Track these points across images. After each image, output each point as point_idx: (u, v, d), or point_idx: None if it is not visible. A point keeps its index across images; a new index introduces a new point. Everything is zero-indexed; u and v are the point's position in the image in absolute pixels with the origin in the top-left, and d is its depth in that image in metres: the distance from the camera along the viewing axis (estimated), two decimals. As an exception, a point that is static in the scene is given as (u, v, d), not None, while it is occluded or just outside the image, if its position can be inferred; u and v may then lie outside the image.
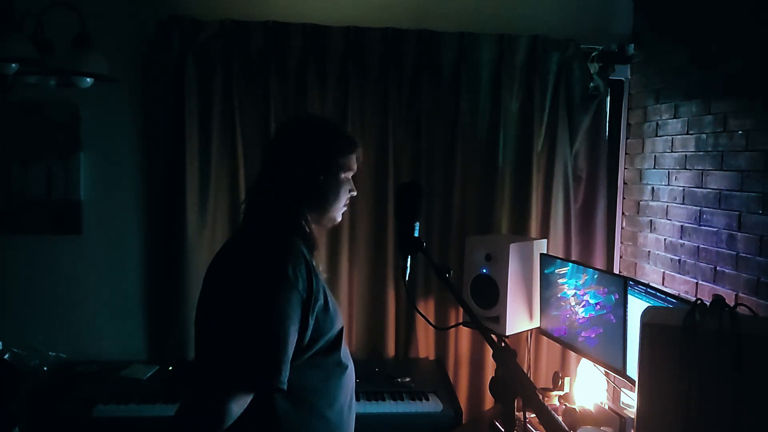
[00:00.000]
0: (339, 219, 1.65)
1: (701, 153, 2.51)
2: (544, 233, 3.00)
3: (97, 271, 2.93)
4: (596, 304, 2.41)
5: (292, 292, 1.41)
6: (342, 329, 1.56)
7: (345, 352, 1.59)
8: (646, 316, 1.70)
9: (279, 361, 1.37)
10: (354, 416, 1.64)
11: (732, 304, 1.71)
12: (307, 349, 1.46)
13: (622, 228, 3.15)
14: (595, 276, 2.42)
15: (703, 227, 2.48)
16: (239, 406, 1.37)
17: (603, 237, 3.05)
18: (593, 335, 2.43)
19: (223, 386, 1.36)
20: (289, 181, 1.53)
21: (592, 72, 2.97)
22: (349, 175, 1.61)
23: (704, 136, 2.50)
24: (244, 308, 1.41)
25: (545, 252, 2.79)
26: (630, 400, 2.45)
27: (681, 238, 2.62)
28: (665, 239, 2.74)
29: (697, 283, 2.50)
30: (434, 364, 3.00)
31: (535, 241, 2.76)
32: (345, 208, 1.65)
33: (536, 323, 2.76)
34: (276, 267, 1.42)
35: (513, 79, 2.95)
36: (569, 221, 3.03)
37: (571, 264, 2.57)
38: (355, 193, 1.65)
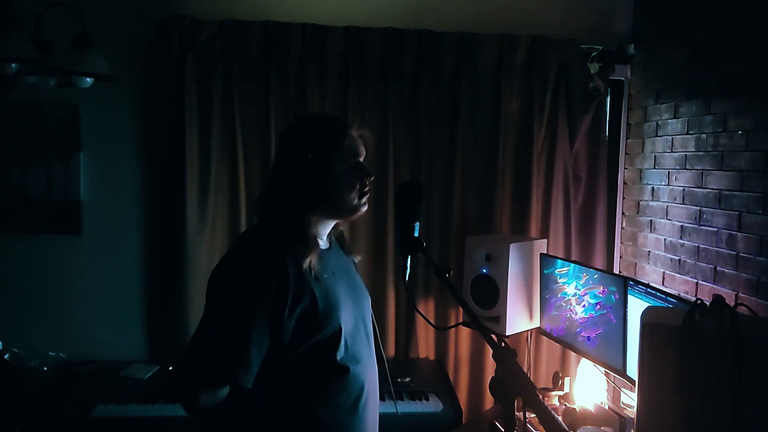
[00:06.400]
0: (362, 208, 1.59)
1: (701, 153, 2.51)
2: (544, 233, 3.00)
3: (97, 271, 2.93)
4: (596, 304, 2.41)
5: (259, 291, 1.42)
6: (341, 330, 1.51)
7: (350, 354, 1.54)
8: (646, 316, 1.70)
9: (239, 358, 1.41)
10: (364, 419, 1.59)
11: (732, 304, 1.71)
12: (292, 348, 1.47)
13: (622, 228, 3.15)
14: (595, 276, 2.42)
15: (703, 227, 2.48)
16: (208, 396, 1.43)
17: (603, 237, 3.05)
18: (593, 335, 2.43)
19: (191, 378, 1.45)
20: (290, 183, 1.53)
21: (592, 72, 2.97)
22: (351, 161, 1.56)
23: (704, 136, 2.50)
24: (213, 306, 1.48)
25: (545, 252, 2.79)
26: (630, 400, 2.45)
27: (681, 238, 2.62)
28: (665, 239, 2.74)
29: (697, 283, 2.50)
30: (434, 364, 3.00)
31: (535, 241, 2.76)
32: (366, 195, 1.59)
33: (536, 323, 2.76)
34: (244, 268, 1.46)
35: (513, 79, 2.95)
36: (569, 221, 3.03)
37: (571, 264, 2.57)
38: (371, 177, 1.60)
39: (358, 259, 1.78)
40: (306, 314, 1.46)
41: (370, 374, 1.61)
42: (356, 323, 1.59)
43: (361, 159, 1.59)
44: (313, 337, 1.48)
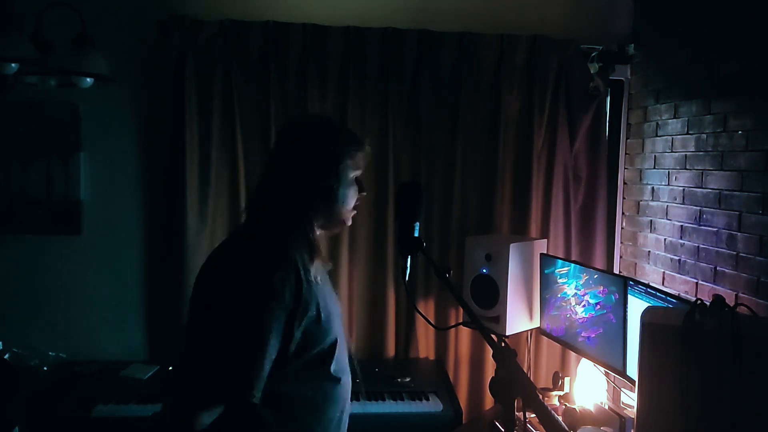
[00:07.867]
0: (349, 222, 1.60)
1: (701, 153, 2.51)
2: (544, 233, 3.00)
3: (97, 271, 2.93)
4: (596, 304, 2.41)
5: (276, 303, 1.36)
6: (336, 341, 1.50)
7: (340, 365, 1.53)
8: (646, 316, 1.70)
9: (253, 375, 1.34)
10: (344, 430, 1.59)
11: (732, 304, 1.71)
12: (294, 359, 1.42)
13: (622, 228, 3.15)
14: (595, 276, 2.42)
15: (703, 227, 2.48)
16: (210, 416, 1.34)
17: (603, 237, 3.05)
18: (593, 335, 2.43)
19: (195, 396, 1.35)
20: (296, 184, 1.49)
21: (592, 72, 2.97)
22: (357, 174, 1.57)
23: (704, 136, 2.50)
24: (225, 317, 1.37)
25: (545, 252, 2.79)
26: (630, 400, 2.45)
27: (681, 238, 2.62)
28: (665, 239, 2.74)
29: (697, 283, 2.50)
30: (434, 364, 3.00)
31: (535, 241, 2.76)
32: (355, 212, 1.60)
33: (536, 323, 2.76)
34: (262, 276, 1.37)
35: (513, 79, 2.95)
36: (569, 221, 3.03)
37: (571, 264, 2.57)
38: (365, 193, 1.61)
39: (330, 267, 1.70)
40: (311, 325, 1.43)
41: (349, 384, 1.60)
42: (341, 333, 1.57)
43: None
44: (314, 348, 1.45)
